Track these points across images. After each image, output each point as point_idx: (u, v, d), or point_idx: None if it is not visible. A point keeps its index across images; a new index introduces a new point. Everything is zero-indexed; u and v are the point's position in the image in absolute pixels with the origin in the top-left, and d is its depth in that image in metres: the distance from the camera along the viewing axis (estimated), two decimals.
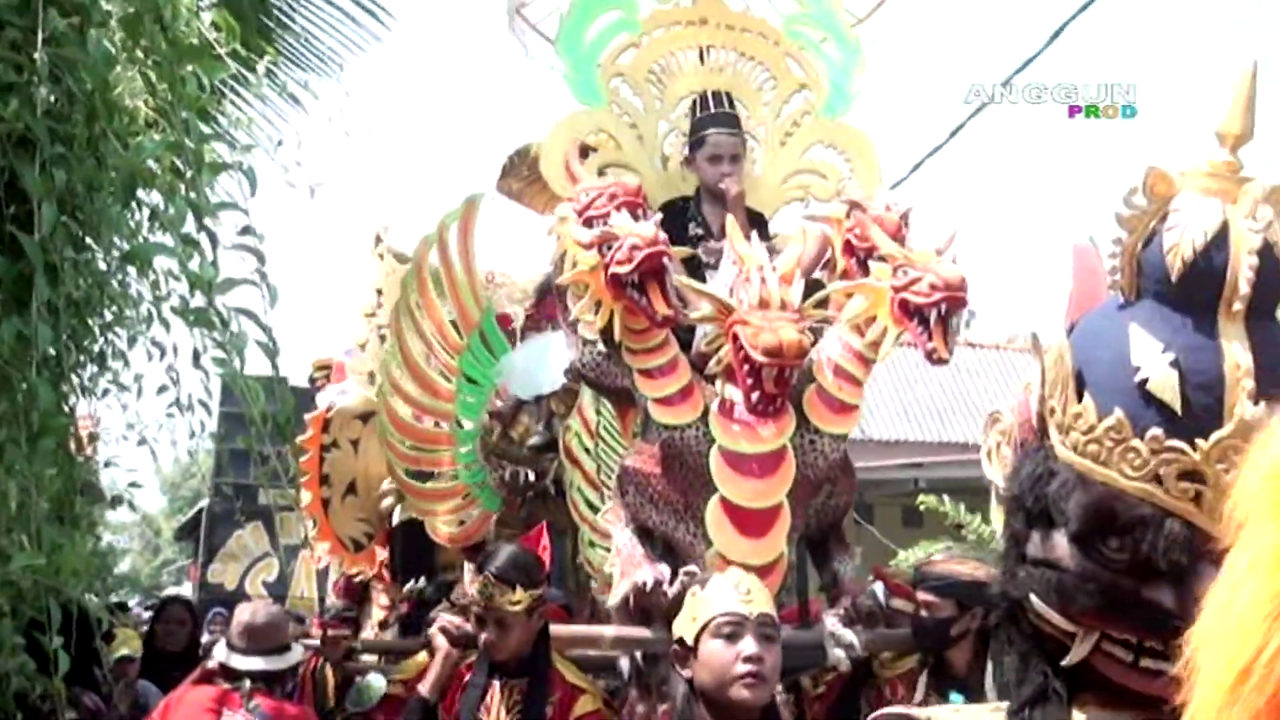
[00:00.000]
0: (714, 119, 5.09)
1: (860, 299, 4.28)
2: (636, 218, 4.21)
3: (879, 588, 4.37)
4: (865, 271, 4.52)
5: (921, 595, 4.33)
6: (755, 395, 3.98)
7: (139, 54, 3.23)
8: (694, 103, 5.20)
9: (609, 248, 4.05)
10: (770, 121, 5.37)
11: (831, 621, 4.19)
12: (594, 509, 5.26)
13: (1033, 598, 1.74)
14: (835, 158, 5.42)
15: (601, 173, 5.00)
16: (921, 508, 11.60)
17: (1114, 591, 1.54)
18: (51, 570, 3.08)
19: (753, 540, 4.10)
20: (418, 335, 5.56)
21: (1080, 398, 1.65)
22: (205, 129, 3.53)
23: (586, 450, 5.40)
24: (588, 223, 4.33)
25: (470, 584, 4.34)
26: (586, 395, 5.46)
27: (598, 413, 5.36)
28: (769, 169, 5.30)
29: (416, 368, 5.63)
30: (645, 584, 4.07)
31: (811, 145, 5.42)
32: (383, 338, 6.90)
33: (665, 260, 4.03)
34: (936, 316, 3.99)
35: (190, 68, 3.25)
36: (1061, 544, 1.69)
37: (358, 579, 7.03)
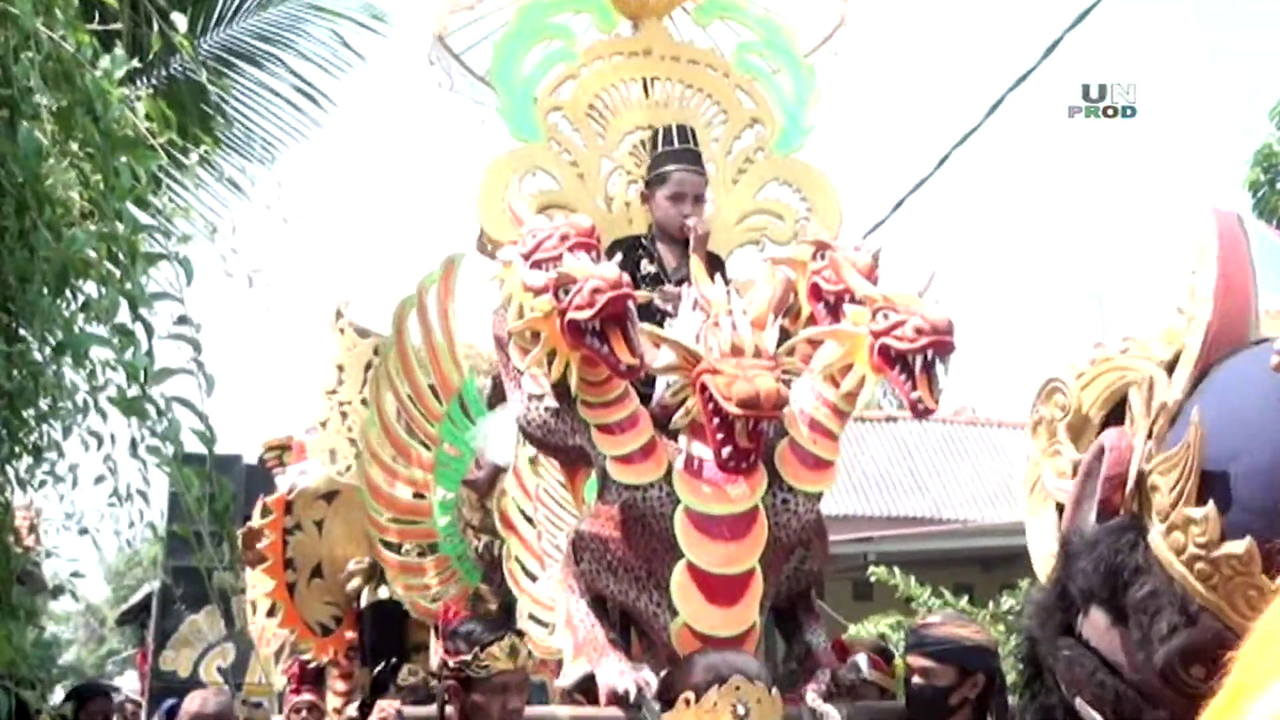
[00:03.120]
0: (676, 155, 5.14)
1: (833, 346, 4.29)
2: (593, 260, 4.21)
3: (862, 659, 4.36)
4: (834, 317, 4.55)
5: (917, 660, 4.31)
6: (727, 450, 3.98)
7: (72, 145, 3.44)
8: (653, 136, 5.24)
9: (566, 292, 4.02)
10: (721, 158, 5.42)
11: (812, 697, 4.18)
12: (534, 579, 5.25)
13: (1080, 703, 1.67)
14: (791, 196, 5.49)
15: (542, 213, 5.01)
16: (873, 579, 11.73)
17: (1185, 715, 1.46)
18: None
19: (723, 609, 4.08)
20: (396, 403, 5.63)
21: (1202, 499, 1.54)
22: (144, 217, 3.71)
23: (526, 517, 5.39)
24: (536, 266, 4.31)
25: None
26: (522, 457, 5.46)
27: (536, 474, 5.37)
28: (722, 209, 5.35)
29: (396, 437, 5.73)
30: (628, 693, 4.01)
31: (766, 183, 5.49)
32: (344, 415, 7.11)
33: (629, 305, 4.03)
34: (922, 363, 4.02)
35: (124, 159, 3.44)
36: (1126, 646, 1.61)
37: (311, 664, 7.13)
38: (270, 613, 7.26)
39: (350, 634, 6.93)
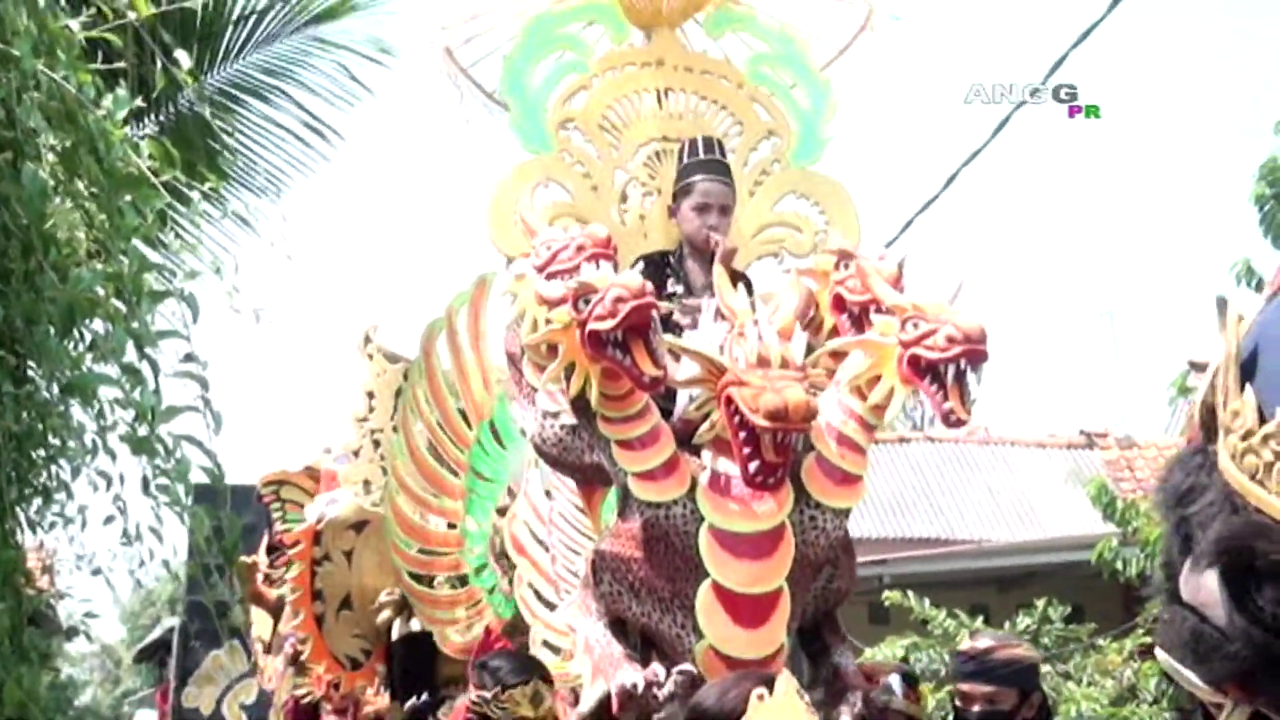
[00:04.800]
0: (702, 165, 5.02)
1: (860, 357, 4.20)
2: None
3: (895, 681, 4.26)
4: (858, 329, 4.46)
5: (980, 687, 4.23)
6: (754, 465, 3.85)
7: (76, 185, 3.49)
8: (680, 149, 5.14)
9: (586, 302, 3.92)
10: (738, 170, 5.30)
11: None
12: (549, 605, 5.14)
13: (1161, 653, 1.54)
14: (810, 209, 5.39)
15: (554, 224, 4.92)
16: (887, 604, 11.69)
17: (1266, 657, 1.33)
18: None
19: (750, 631, 3.98)
20: (425, 429, 5.54)
21: (1242, 389, 1.44)
22: (151, 255, 3.81)
23: (538, 540, 5.29)
24: (551, 278, 4.21)
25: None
26: (533, 478, 5.37)
27: (548, 495, 5.27)
28: (739, 221, 5.23)
29: (425, 464, 5.67)
30: (635, 686, 3.92)
31: (783, 195, 5.38)
32: (376, 443, 7.05)
33: (653, 314, 3.92)
34: (954, 373, 3.92)
35: (128, 198, 3.49)
36: (1210, 585, 1.47)
37: (305, 699, 7.06)
38: (267, 649, 7.21)
39: (380, 667, 6.88)
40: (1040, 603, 12.14)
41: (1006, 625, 12.10)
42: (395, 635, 6.86)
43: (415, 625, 6.73)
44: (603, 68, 5.36)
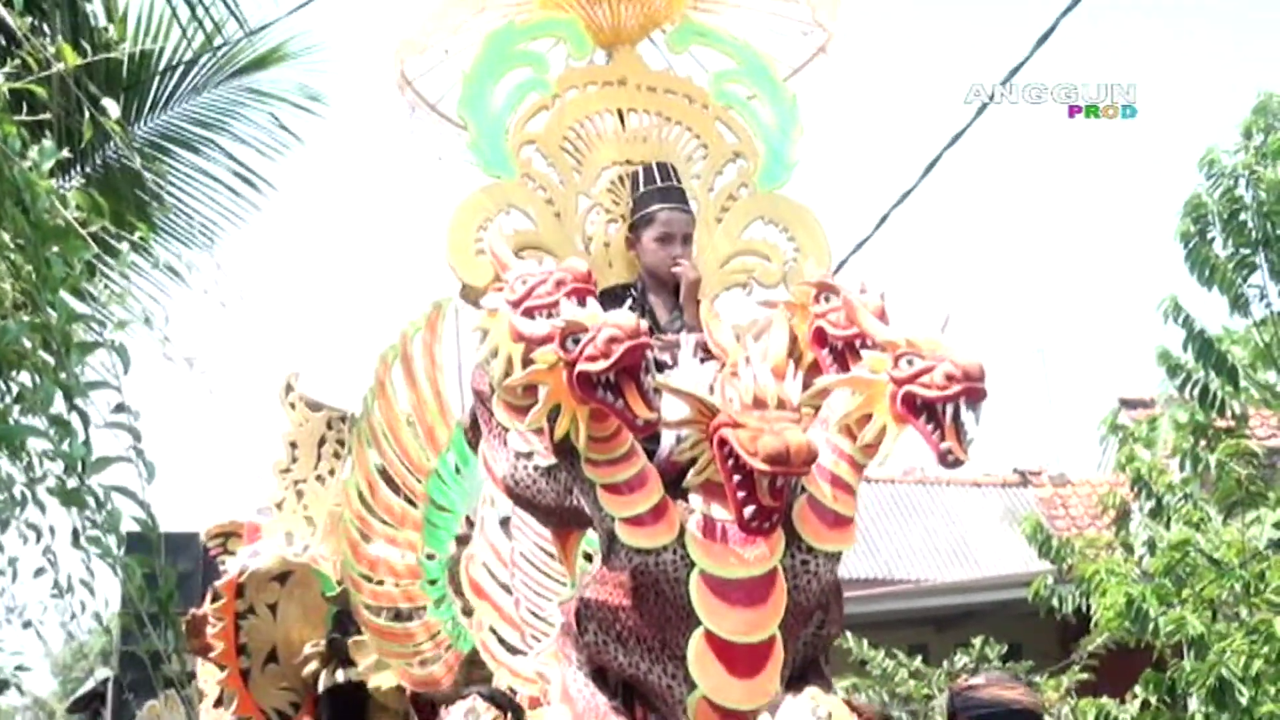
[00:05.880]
0: (661, 193, 5.04)
1: (847, 394, 4.22)
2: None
3: None
4: (841, 364, 4.46)
5: None
6: (750, 510, 3.84)
7: (2, 237, 3.52)
8: (633, 177, 5.14)
9: (575, 341, 3.91)
10: (703, 195, 5.30)
11: None
12: (511, 649, 5.14)
13: None
14: (778, 236, 5.39)
15: (519, 255, 4.91)
16: None
17: None
18: None
19: (744, 680, 3.98)
20: (380, 458, 5.62)
21: None
22: (79, 306, 3.92)
23: (499, 582, 5.29)
24: (527, 314, 4.19)
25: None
26: (490, 519, 5.37)
27: (509, 537, 5.27)
28: (705, 250, 5.23)
29: (380, 495, 5.73)
30: None
31: (751, 222, 5.37)
32: (300, 494, 7.04)
33: (647, 354, 3.92)
34: (952, 412, 3.96)
35: (55, 249, 3.55)
36: None
37: None
38: (217, 703, 7.18)
39: None
40: (978, 641, 12.46)
41: (945, 664, 12.34)
42: (322, 687, 6.86)
43: (341, 676, 6.74)
44: (564, 86, 5.33)
